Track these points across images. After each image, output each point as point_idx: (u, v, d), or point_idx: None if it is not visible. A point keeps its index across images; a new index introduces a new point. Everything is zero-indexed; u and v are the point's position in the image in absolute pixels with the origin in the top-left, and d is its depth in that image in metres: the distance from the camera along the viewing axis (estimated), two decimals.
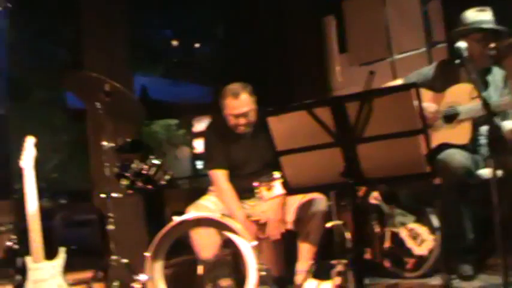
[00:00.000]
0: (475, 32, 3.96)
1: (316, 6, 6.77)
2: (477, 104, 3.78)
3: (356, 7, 6.40)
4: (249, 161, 4.31)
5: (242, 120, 4.18)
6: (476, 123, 3.95)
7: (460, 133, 3.92)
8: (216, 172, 4.30)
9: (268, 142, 2.80)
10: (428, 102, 4.03)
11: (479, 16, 3.99)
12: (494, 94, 3.98)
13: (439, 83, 4.11)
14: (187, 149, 15.85)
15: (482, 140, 4.00)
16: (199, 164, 15.17)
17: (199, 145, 15.10)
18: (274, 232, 4.02)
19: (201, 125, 14.81)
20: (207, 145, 4.51)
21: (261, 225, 4.11)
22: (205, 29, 11.66)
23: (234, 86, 4.25)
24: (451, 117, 3.99)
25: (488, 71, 4.07)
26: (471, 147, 3.98)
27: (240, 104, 4.18)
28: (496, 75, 4.13)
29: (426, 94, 4.09)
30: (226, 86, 4.30)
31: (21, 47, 11.02)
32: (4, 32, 9.41)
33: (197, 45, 13.12)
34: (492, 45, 3.77)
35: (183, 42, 13.11)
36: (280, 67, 6.87)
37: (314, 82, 6.68)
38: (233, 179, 4.28)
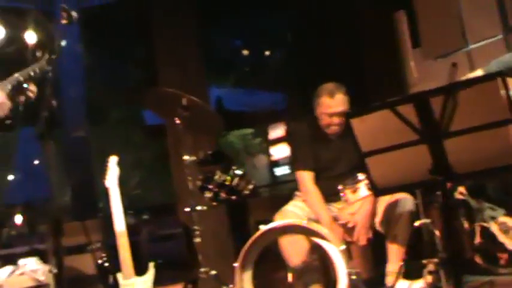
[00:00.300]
0: None
1: (386, 2, 6.67)
2: None
3: None
4: (336, 163, 4.28)
5: (336, 120, 4.17)
6: None
7: None
8: (302, 173, 4.28)
9: (356, 144, 2.77)
10: None
11: None
12: None
13: None
14: (264, 157, 15.90)
15: None
16: (278, 171, 15.20)
17: (276, 152, 15.15)
18: (362, 236, 3.98)
19: (276, 132, 14.85)
20: (295, 146, 4.50)
21: (349, 229, 4.07)
22: (274, 36, 11.69)
23: (330, 85, 4.24)
24: None
25: None
26: None
27: (336, 103, 4.17)
28: None
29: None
30: (320, 86, 4.29)
31: (96, 69, 11.32)
32: (79, 56, 9.71)
33: (267, 52, 13.15)
34: None
35: (253, 51, 13.17)
36: (353, 67, 6.81)
37: (389, 80, 6.58)
38: (320, 181, 4.26)
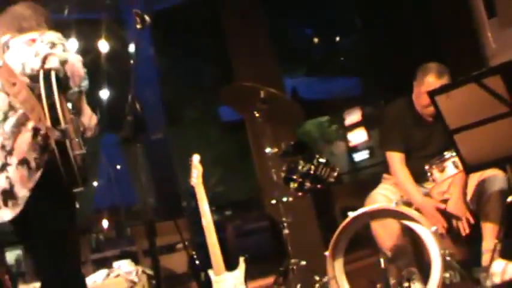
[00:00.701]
0: None
1: None
2: None
3: None
4: (428, 143, 4.19)
5: None
6: None
7: None
8: (392, 154, 4.20)
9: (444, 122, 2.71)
10: None
11: None
12: None
13: None
14: (342, 144, 15.81)
15: None
16: (357, 157, 15.09)
17: (353, 138, 15.05)
18: (463, 228, 3.89)
19: (352, 117, 14.74)
20: (385, 126, 4.42)
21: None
22: (342, 21, 11.61)
23: (437, 66, 4.10)
24: None
25: None
26: None
27: (442, 83, 3.96)
28: None
29: None
30: (425, 64, 4.15)
31: (171, 70, 11.50)
32: (153, 59, 9.87)
33: (337, 38, 13.07)
34: None
35: (323, 38, 13.11)
36: (427, 45, 6.67)
37: (467, 54, 6.41)
38: (411, 161, 4.18)
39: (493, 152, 2.71)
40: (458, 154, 2.73)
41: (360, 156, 14.73)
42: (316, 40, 13.12)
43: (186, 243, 5.08)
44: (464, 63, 6.29)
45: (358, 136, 14.52)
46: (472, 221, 3.90)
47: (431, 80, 4.02)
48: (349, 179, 12.50)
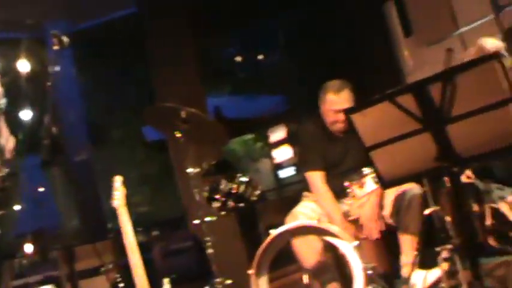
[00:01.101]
0: None
1: None
2: None
3: None
4: (343, 159, 4.28)
5: (341, 117, 4.16)
6: None
7: None
8: (312, 174, 4.28)
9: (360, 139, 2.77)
10: None
11: None
12: None
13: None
14: (267, 161, 15.89)
15: None
16: (282, 174, 15.18)
17: (278, 155, 15.13)
18: (372, 230, 3.99)
19: (276, 134, 14.84)
20: (302, 148, 4.51)
21: (360, 225, 4.07)
22: (266, 40, 11.70)
23: (335, 82, 4.26)
24: None
25: None
26: None
27: (341, 99, 4.18)
28: None
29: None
30: (325, 83, 4.30)
31: (94, 91, 11.35)
32: (75, 79, 9.73)
33: (260, 57, 13.18)
34: None
35: (247, 57, 13.19)
36: (348, 63, 6.82)
37: (386, 72, 6.60)
38: (329, 178, 4.25)
39: (408, 167, 2.77)
40: (375, 170, 2.79)
41: (285, 173, 14.81)
42: (239, 59, 13.19)
43: (110, 266, 4.99)
44: (384, 81, 6.47)
45: (283, 153, 14.60)
46: (381, 228, 4.00)
47: (330, 96, 4.17)
48: (275, 196, 12.57)
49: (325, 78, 4.37)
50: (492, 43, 3.90)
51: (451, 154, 2.58)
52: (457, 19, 5.93)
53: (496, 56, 2.43)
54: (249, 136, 15.31)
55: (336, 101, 4.18)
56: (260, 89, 13.35)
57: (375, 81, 6.50)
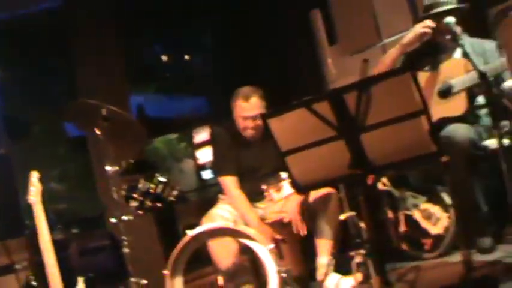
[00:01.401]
0: (437, 16, 4.03)
1: (302, 2, 6.77)
2: (468, 74, 3.82)
3: None
4: (260, 165, 4.32)
5: (250, 123, 4.20)
6: (471, 93, 3.98)
7: (456, 105, 3.95)
8: (226, 179, 4.31)
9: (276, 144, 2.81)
10: (425, 83, 4.05)
11: None
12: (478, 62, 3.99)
13: (424, 63, 4.17)
14: (190, 162, 15.83)
15: (482, 111, 4.01)
16: (205, 175, 15.15)
17: (202, 156, 15.09)
18: (301, 226, 4.04)
19: (200, 136, 14.79)
20: (216, 152, 4.52)
21: (277, 227, 4.11)
22: (193, 40, 11.65)
23: (245, 89, 4.30)
24: (445, 92, 4.00)
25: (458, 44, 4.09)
26: (471, 118, 3.98)
27: (250, 106, 4.22)
28: (474, 44, 4.13)
29: (422, 75, 4.11)
30: (237, 89, 4.36)
31: (15, 85, 11.06)
32: None
33: (188, 57, 13.12)
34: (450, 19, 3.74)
35: (174, 57, 13.11)
36: (273, 68, 6.87)
37: (309, 78, 6.68)
38: (245, 182, 4.30)
39: (323, 173, 2.82)
40: (290, 175, 2.83)
41: (209, 174, 14.78)
42: (166, 58, 13.10)
43: (25, 264, 4.89)
44: (307, 87, 6.55)
45: (206, 154, 14.57)
46: (304, 230, 4.05)
47: (239, 103, 4.24)
48: (197, 196, 12.52)
49: (249, 82, 4.41)
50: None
51: (364, 162, 2.64)
52: (380, 31, 6.05)
53: (409, 68, 2.51)
54: (174, 136, 15.23)
55: (244, 107, 4.23)
56: (185, 90, 13.28)
57: (298, 87, 6.58)
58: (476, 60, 3.89)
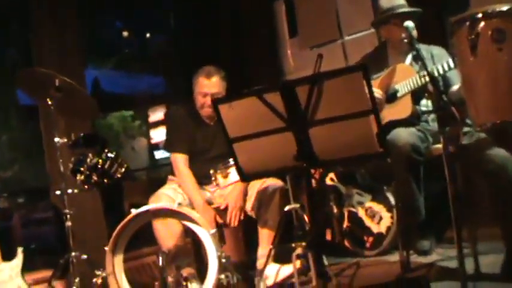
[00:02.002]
0: (393, 18, 4.07)
1: None
2: (411, 78, 3.90)
3: None
4: (211, 147, 4.35)
5: (209, 101, 4.21)
6: (417, 97, 4.06)
7: (401, 108, 4.02)
8: (177, 156, 4.33)
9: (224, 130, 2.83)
10: (376, 88, 4.11)
11: (393, 2, 4.14)
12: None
13: (371, 73, 4.23)
14: (144, 140, 15.74)
15: (430, 115, 4.09)
16: (157, 155, 15.08)
17: (156, 135, 15.02)
18: (234, 218, 4.08)
19: (156, 115, 14.71)
20: (170, 129, 4.56)
21: (222, 212, 4.15)
22: (156, 19, 11.56)
23: (209, 67, 4.34)
24: (391, 97, 4.09)
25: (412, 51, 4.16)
26: (417, 121, 4.06)
27: (211, 84, 4.26)
28: (422, 50, 4.21)
29: (374, 82, 4.18)
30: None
31: None
32: None
33: (148, 35, 13.03)
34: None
35: (134, 34, 13.00)
36: (234, 54, 6.86)
37: (268, 67, 6.69)
38: (195, 164, 4.33)
39: (269, 163, 2.84)
40: (236, 162, 2.85)
41: (161, 154, 14.71)
42: (126, 34, 12.99)
43: None
44: (265, 76, 6.57)
45: (160, 134, 14.49)
46: (241, 217, 4.12)
47: (201, 79, 4.27)
48: (147, 175, 12.45)
49: (207, 65, 4.43)
50: None
51: (310, 155, 2.67)
52: (342, 28, 6.11)
53: (362, 67, 2.54)
54: (129, 113, 15.11)
55: (205, 84, 4.27)
56: (144, 68, 13.19)
57: (256, 75, 6.59)
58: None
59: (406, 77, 4.02)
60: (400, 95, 4.04)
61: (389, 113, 4.06)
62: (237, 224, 4.11)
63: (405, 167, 3.78)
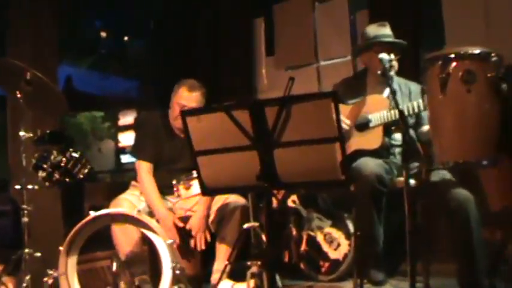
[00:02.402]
0: (376, 46, 4.11)
1: (247, 8, 6.81)
2: (386, 110, 3.94)
3: (286, 11, 6.46)
4: (178, 159, 4.34)
5: None
6: (388, 130, 4.09)
7: (371, 138, 4.05)
8: (141, 163, 4.32)
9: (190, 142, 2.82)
10: (345, 115, 4.14)
11: (380, 31, 4.18)
12: (402, 102, 4.10)
13: (349, 97, 4.25)
14: (111, 143, 15.67)
15: (397, 149, 4.13)
16: (124, 159, 15.02)
17: (124, 139, 14.97)
18: (199, 243, 4.09)
19: (126, 118, 14.67)
20: (139, 135, 4.54)
21: (184, 223, 4.14)
22: (136, 23, 11.53)
23: (192, 81, 4.37)
24: (363, 125, 4.11)
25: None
26: (385, 154, 4.09)
27: (191, 97, 4.27)
28: (401, 84, 4.27)
29: (346, 108, 4.21)
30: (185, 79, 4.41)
31: None
32: None
33: (126, 38, 13.00)
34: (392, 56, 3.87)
35: (113, 35, 12.95)
36: (208, 67, 6.87)
37: (241, 83, 6.71)
38: (160, 173, 4.32)
39: (232, 180, 2.84)
40: (199, 175, 2.85)
41: (127, 158, 14.66)
42: (104, 35, 12.93)
43: None
44: (237, 91, 6.59)
45: (129, 138, 14.45)
46: (208, 239, 4.11)
47: (182, 91, 4.28)
48: (111, 179, 12.38)
49: (183, 75, 4.44)
50: None
51: (273, 176, 2.67)
52: (318, 52, 6.16)
53: (333, 94, 2.56)
54: (99, 114, 15.04)
55: (186, 96, 4.27)
56: (119, 70, 13.13)
57: (230, 89, 6.61)
58: (401, 99, 4.05)
59: (379, 109, 4.05)
60: (373, 125, 4.07)
61: (358, 142, 4.09)
62: (205, 247, 4.10)
63: (368, 196, 3.80)
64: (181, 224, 4.12)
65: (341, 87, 4.39)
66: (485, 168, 3.15)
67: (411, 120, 4.07)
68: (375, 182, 3.76)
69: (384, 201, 3.87)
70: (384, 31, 4.18)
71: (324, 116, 2.54)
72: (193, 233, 4.12)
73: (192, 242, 4.11)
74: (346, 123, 4.10)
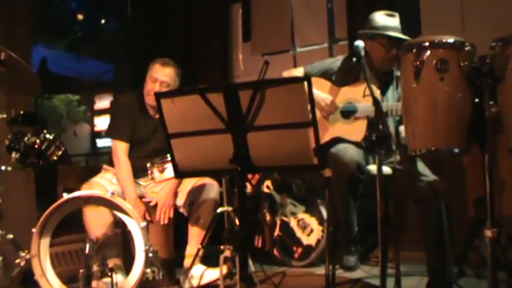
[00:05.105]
0: (382, 37, 3.99)
1: None
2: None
3: None
4: (151, 139, 4.35)
5: (157, 88, 4.20)
6: (372, 123, 4.06)
7: (355, 130, 3.97)
8: (117, 143, 4.31)
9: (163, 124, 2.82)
10: (326, 93, 4.10)
11: (388, 21, 4.02)
12: (392, 97, 4.09)
13: (340, 77, 4.18)
14: (87, 126, 15.57)
15: None
16: (99, 143, 14.94)
17: (100, 123, 14.87)
18: (163, 215, 4.08)
19: (102, 102, 14.57)
20: (114, 115, 4.57)
21: (152, 207, 4.14)
22: (112, 6, 11.46)
23: (168, 59, 4.39)
24: (348, 113, 4.06)
25: (389, 73, 4.16)
26: (364, 145, 4.08)
27: (164, 72, 4.28)
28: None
29: (325, 85, 4.15)
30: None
31: None
32: None
33: (103, 21, 12.91)
34: (394, 51, 3.86)
35: (89, 17, 12.85)
36: (185, 50, 6.85)
37: (217, 68, 6.70)
38: (133, 155, 4.32)
39: (206, 163, 2.85)
40: (172, 158, 2.85)
41: (103, 142, 14.58)
42: (81, 17, 12.83)
43: None
44: (213, 76, 6.59)
45: (104, 122, 14.37)
46: (171, 215, 4.12)
47: (156, 66, 4.32)
48: (85, 162, 12.32)
49: (155, 59, 4.44)
50: None
51: (246, 160, 2.69)
52: (295, 39, 6.17)
53: (307, 79, 2.57)
54: (75, 97, 14.92)
55: (159, 71, 4.29)
56: (95, 53, 13.03)
57: (205, 74, 6.61)
58: (396, 94, 4.04)
59: (368, 100, 3.96)
60: (358, 116, 4.00)
61: (342, 129, 4.01)
62: (167, 222, 4.10)
63: (346, 182, 3.78)
64: (149, 218, 4.12)
65: (340, 64, 4.27)
66: (456, 156, 3.16)
67: (397, 118, 4.02)
68: (355, 169, 3.74)
69: (360, 189, 3.86)
70: (392, 22, 4.02)
71: (297, 101, 2.56)
72: (158, 206, 4.12)
73: (156, 215, 4.10)
74: (326, 103, 4.04)
